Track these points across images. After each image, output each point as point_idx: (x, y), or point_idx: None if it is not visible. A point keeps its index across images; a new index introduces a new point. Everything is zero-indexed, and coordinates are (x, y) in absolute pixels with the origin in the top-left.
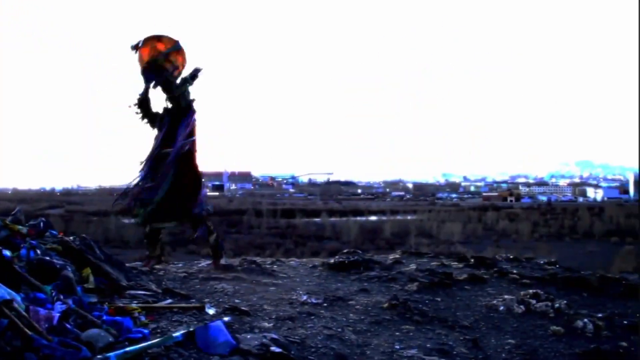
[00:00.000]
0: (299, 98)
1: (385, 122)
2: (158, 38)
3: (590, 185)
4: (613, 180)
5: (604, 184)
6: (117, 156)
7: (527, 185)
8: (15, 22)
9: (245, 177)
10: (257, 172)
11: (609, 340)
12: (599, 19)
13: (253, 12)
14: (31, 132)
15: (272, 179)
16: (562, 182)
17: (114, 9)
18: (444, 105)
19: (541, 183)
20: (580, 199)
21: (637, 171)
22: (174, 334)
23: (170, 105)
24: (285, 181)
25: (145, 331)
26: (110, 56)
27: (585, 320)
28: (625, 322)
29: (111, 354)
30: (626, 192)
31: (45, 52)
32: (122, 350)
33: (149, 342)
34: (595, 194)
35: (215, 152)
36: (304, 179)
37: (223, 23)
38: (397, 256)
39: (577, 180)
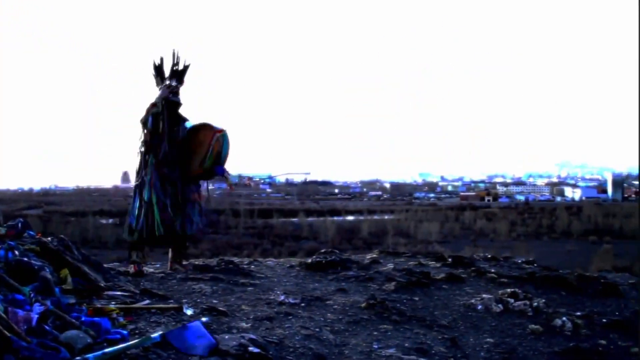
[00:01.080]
0: (288, 97)
1: (384, 122)
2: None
3: (568, 184)
4: (591, 179)
5: (582, 184)
6: (117, 156)
7: (505, 184)
8: (15, 22)
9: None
10: (234, 171)
11: (588, 338)
12: (597, 19)
13: (244, 8)
14: (31, 132)
15: (250, 178)
16: (540, 182)
17: (114, 9)
18: (444, 105)
19: (519, 182)
20: (558, 199)
21: (615, 172)
22: (153, 335)
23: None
24: (262, 181)
25: (124, 332)
26: (110, 56)
27: (564, 318)
28: (604, 320)
29: (90, 355)
30: (604, 191)
31: (45, 52)
32: (100, 352)
33: (128, 343)
34: (573, 194)
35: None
36: (281, 178)
37: (217, 20)
38: (375, 256)
39: (555, 179)
